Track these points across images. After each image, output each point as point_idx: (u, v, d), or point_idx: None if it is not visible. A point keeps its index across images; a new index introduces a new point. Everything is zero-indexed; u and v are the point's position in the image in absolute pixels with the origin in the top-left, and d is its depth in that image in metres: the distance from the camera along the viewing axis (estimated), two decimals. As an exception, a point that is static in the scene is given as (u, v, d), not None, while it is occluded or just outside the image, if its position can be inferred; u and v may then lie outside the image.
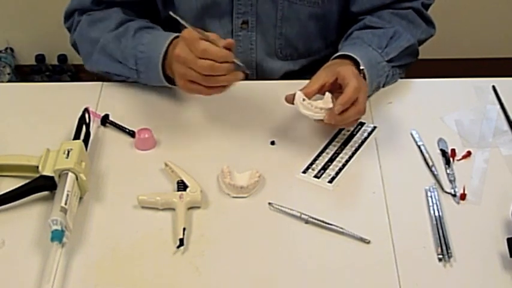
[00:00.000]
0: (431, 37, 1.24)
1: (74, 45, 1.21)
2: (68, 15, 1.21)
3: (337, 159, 1.04)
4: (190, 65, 0.97)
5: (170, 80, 1.07)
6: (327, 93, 1.02)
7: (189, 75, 0.98)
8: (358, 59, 1.08)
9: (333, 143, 1.06)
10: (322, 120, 1.01)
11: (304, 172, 1.01)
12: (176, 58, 0.99)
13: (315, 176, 1.01)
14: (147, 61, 1.07)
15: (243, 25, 1.19)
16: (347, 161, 1.03)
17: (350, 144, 1.06)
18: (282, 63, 1.24)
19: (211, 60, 0.95)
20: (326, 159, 1.03)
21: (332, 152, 1.05)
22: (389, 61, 1.13)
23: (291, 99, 1.02)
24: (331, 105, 1.00)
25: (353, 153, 1.05)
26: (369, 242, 0.91)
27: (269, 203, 0.96)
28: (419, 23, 1.20)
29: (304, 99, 1.01)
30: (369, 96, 1.11)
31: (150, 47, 1.07)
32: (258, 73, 1.25)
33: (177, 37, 1.04)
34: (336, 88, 1.03)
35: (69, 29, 1.22)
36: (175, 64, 1.00)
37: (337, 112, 0.99)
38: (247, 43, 1.21)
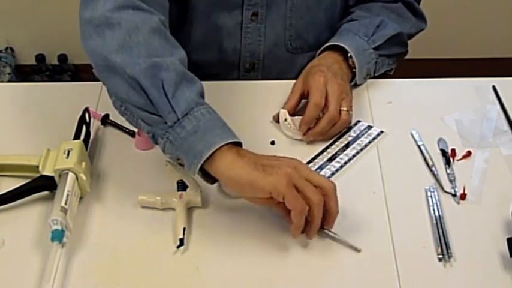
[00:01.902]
0: (421, 31, 1.26)
1: (102, 23, 0.92)
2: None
3: (337, 159, 1.04)
4: (309, 178, 0.86)
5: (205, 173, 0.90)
6: None
7: (302, 183, 0.85)
8: (345, 47, 1.12)
9: (336, 143, 1.06)
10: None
11: None
12: (291, 168, 0.85)
13: None
14: (204, 129, 0.87)
15: (252, 17, 1.19)
16: (346, 163, 1.03)
17: (353, 146, 1.06)
18: (291, 56, 1.24)
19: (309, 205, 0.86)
20: (325, 159, 1.03)
21: (333, 152, 1.05)
22: (375, 49, 1.15)
23: (276, 119, 1.08)
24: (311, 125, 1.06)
25: (354, 155, 1.04)
26: (359, 251, 0.90)
27: None
28: (408, 17, 1.23)
29: (286, 119, 1.06)
30: (358, 85, 1.15)
31: (216, 122, 0.90)
32: (264, 65, 1.25)
33: (238, 144, 0.89)
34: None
35: None
36: (288, 170, 0.85)
37: (302, 132, 1.05)
38: (256, 35, 1.21)
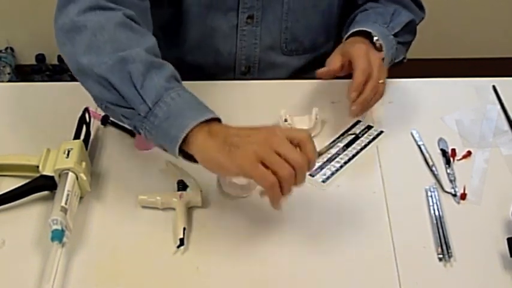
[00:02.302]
0: (422, 20, 1.27)
1: (72, 28, 0.95)
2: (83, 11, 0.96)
3: (337, 159, 1.04)
4: (280, 150, 0.83)
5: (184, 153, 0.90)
6: (314, 109, 1.07)
7: (271, 158, 0.82)
8: (371, 31, 1.11)
9: (336, 143, 1.06)
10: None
11: None
12: (262, 140, 0.84)
13: (310, 175, 1.01)
14: (176, 113, 0.87)
15: (248, 20, 1.19)
16: (346, 163, 1.03)
17: (353, 146, 1.06)
18: (286, 59, 1.24)
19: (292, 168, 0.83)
20: (325, 159, 1.03)
21: (333, 152, 1.05)
22: (394, 35, 1.16)
23: (322, 74, 1.06)
24: (311, 126, 1.06)
25: (354, 156, 1.05)
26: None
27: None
28: (413, 8, 1.25)
29: (285, 119, 1.06)
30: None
31: (185, 103, 0.89)
32: (259, 68, 1.25)
33: (217, 119, 0.89)
34: (351, 69, 1.05)
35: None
36: (254, 147, 0.83)
37: (351, 100, 1.03)
38: (252, 38, 1.21)
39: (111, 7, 0.96)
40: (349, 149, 1.05)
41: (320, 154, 1.03)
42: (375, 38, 1.12)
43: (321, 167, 1.02)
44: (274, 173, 0.82)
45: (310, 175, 1.00)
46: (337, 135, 1.08)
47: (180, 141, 0.86)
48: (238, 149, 0.83)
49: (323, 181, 1.00)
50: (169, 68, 0.93)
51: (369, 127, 1.09)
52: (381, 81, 1.05)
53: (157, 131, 0.88)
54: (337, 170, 1.02)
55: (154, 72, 0.90)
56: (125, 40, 0.94)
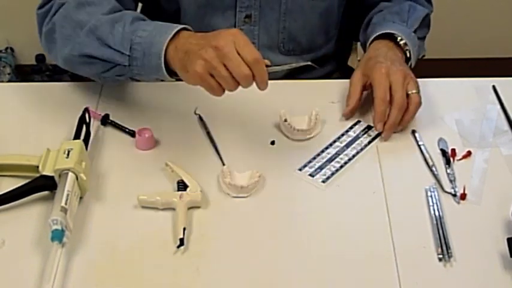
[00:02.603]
0: (430, 13, 1.27)
1: (49, 32, 1.08)
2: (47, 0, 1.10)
3: (337, 159, 1.04)
4: (228, 64, 0.89)
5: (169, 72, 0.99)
6: (314, 110, 1.08)
7: (218, 69, 0.89)
8: (394, 33, 1.13)
9: (337, 143, 1.06)
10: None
11: (300, 170, 1.01)
12: (215, 49, 0.89)
13: (310, 175, 1.01)
14: (148, 46, 0.96)
15: (246, 19, 1.19)
16: (346, 163, 1.03)
17: (353, 146, 1.06)
18: (284, 58, 1.25)
19: (250, 71, 0.90)
20: (325, 159, 1.03)
21: (333, 152, 1.05)
22: (414, 32, 1.16)
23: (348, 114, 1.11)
24: (311, 126, 1.06)
25: (353, 156, 1.04)
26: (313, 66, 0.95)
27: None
28: (422, 2, 1.25)
29: (285, 120, 1.07)
30: (412, 68, 1.15)
31: (152, 33, 0.97)
32: None
33: (185, 29, 0.97)
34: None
35: (44, 14, 1.10)
36: (206, 50, 0.90)
37: (378, 130, 1.06)
38: (250, 37, 1.20)
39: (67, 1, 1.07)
40: (349, 149, 1.05)
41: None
42: (399, 38, 1.13)
43: (321, 167, 1.02)
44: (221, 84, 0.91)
45: (310, 175, 1.00)
46: (337, 136, 1.07)
47: (163, 67, 0.96)
48: (191, 64, 0.91)
49: (323, 181, 1.00)
50: (129, 14, 1.03)
51: (369, 127, 1.09)
52: (413, 91, 1.06)
53: (145, 70, 0.99)
54: (337, 170, 1.02)
55: (117, 25, 1.00)
56: (86, 16, 1.03)
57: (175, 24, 0.98)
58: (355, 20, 1.28)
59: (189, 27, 0.98)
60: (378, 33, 1.15)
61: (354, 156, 1.05)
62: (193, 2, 1.16)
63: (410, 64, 1.15)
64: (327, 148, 1.05)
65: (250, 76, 0.91)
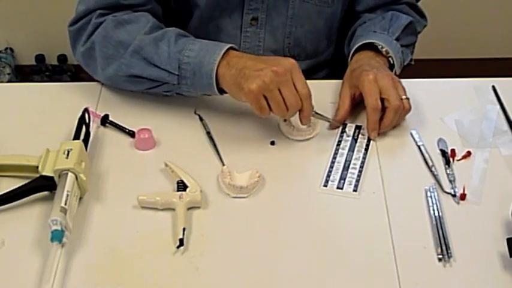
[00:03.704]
0: (424, 28, 1.28)
1: (88, 50, 1.09)
2: (82, 16, 1.10)
3: (351, 166, 1.03)
4: (283, 89, 0.96)
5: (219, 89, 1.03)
6: (313, 110, 1.06)
7: (274, 93, 0.96)
8: (374, 41, 1.13)
9: (340, 151, 1.05)
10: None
11: (325, 186, 1.00)
12: (272, 73, 0.95)
13: (338, 188, 0.99)
14: (198, 66, 1.00)
15: (252, 21, 1.19)
16: (361, 166, 1.03)
17: (356, 149, 1.06)
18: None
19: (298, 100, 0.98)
20: (340, 169, 1.02)
21: (343, 160, 1.04)
22: (396, 39, 1.16)
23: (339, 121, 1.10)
24: (310, 126, 1.07)
25: (364, 158, 1.04)
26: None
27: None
28: (413, 16, 1.25)
29: (285, 120, 1.07)
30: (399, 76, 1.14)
31: (201, 53, 1.01)
32: None
33: (232, 48, 1.01)
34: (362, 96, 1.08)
35: (79, 31, 1.10)
36: (266, 73, 0.95)
37: (373, 137, 1.06)
38: (255, 40, 1.21)
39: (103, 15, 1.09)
40: (355, 152, 1.05)
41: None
42: (380, 46, 1.12)
43: (343, 178, 1.01)
44: (271, 107, 0.97)
45: (339, 188, 0.99)
46: (335, 143, 1.07)
47: (214, 86, 1.01)
48: (247, 82, 0.95)
49: (354, 190, 0.99)
50: (171, 31, 1.05)
51: (358, 127, 1.09)
52: (403, 97, 1.06)
53: (195, 88, 1.03)
54: (359, 175, 1.01)
55: (162, 44, 1.03)
56: (127, 36, 1.05)
57: (222, 43, 1.02)
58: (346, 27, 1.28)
59: (235, 46, 1.02)
60: (358, 44, 1.14)
61: (364, 157, 1.04)
62: (204, 3, 1.16)
63: (395, 71, 1.14)
64: (334, 158, 1.04)
65: (299, 108, 0.99)
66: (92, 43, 1.08)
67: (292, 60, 0.98)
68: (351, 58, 1.16)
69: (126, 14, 1.09)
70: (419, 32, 1.26)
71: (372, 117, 1.05)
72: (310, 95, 0.99)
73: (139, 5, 1.11)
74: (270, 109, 0.98)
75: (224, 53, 1.00)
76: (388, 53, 1.13)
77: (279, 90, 0.96)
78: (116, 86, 1.12)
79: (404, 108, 1.06)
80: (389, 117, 1.05)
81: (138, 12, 1.10)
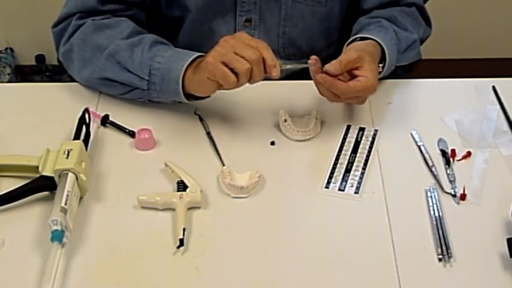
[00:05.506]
0: (428, 37, 1.26)
1: (67, 52, 1.12)
2: (64, 18, 1.13)
3: (354, 167, 1.03)
4: (237, 50, 0.95)
5: (187, 96, 1.04)
6: (313, 110, 1.07)
7: (229, 56, 0.94)
8: (382, 44, 1.08)
9: (343, 152, 1.05)
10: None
11: (327, 187, 1.00)
12: (223, 43, 0.96)
13: (340, 189, 0.99)
14: (167, 72, 1.02)
15: (246, 23, 1.19)
16: (364, 168, 1.02)
17: (359, 151, 1.05)
18: (284, 63, 1.24)
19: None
20: (342, 171, 1.02)
21: (346, 162, 1.03)
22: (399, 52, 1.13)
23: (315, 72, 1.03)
24: (310, 126, 1.06)
25: (366, 160, 1.04)
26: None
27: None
28: (421, 22, 1.23)
29: (285, 120, 1.07)
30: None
31: (170, 59, 1.03)
32: None
33: (200, 56, 1.02)
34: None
35: (60, 32, 1.13)
36: (216, 48, 0.96)
37: (334, 71, 1.00)
38: None
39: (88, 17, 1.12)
40: (358, 154, 1.05)
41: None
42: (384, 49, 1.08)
43: (345, 179, 1.01)
44: (234, 70, 0.94)
45: (340, 190, 0.99)
46: (338, 144, 1.07)
47: (181, 91, 1.02)
48: (203, 61, 0.97)
49: (355, 192, 0.99)
50: (148, 38, 1.08)
51: (362, 129, 1.09)
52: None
53: (164, 93, 1.05)
54: (361, 177, 1.01)
55: (136, 50, 1.05)
56: (105, 40, 1.08)
57: (192, 52, 1.03)
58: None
59: (200, 54, 1.03)
60: (356, 37, 1.11)
61: (366, 159, 1.04)
62: (195, 4, 1.16)
63: (385, 63, 1.10)
64: (337, 160, 1.04)
65: (260, 58, 0.95)
66: (71, 45, 1.11)
67: (237, 33, 0.99)
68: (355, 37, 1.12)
69: (106, 18, 1.11)
70: (424, 40, 1.24)
71: (352, 56, 1.00)
72: (267, 46, 0.97)
73: (120, 10, 1.13)
74: (236, 76, 0.95)
75: (193, 60, 1.01)
76: (385, 59, 1.09)
77: (235, 53, 0.95)
78: (93, 87, 1.14)
79: (371, 85, 1.00)
80: (353, 85, 1.00)
81: (119, 17, 1.12)
